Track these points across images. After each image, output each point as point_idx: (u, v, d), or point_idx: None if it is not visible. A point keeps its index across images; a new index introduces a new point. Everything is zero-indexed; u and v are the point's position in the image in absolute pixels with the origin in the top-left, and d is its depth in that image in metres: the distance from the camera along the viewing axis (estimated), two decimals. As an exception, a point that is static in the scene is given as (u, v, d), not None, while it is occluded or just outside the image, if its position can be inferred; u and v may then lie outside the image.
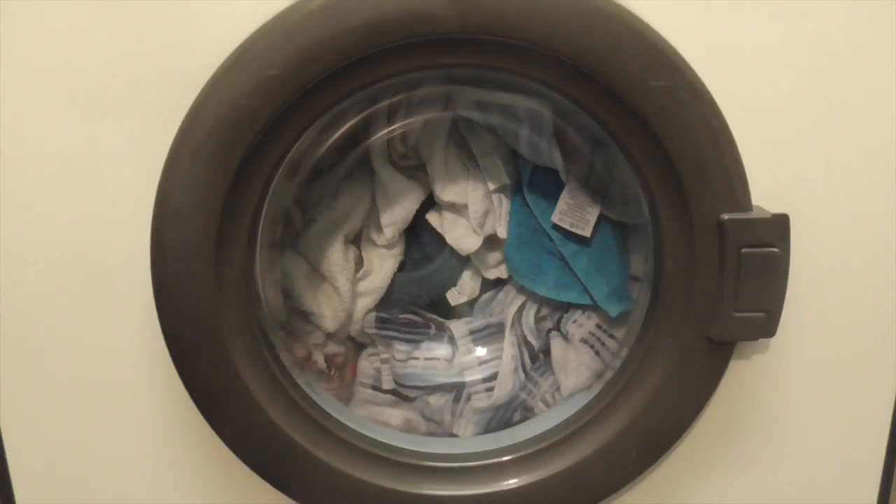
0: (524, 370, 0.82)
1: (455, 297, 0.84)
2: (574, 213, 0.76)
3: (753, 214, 0.62)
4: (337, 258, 0.77)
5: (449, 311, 0.86)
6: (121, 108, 0.62)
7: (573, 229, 0.76)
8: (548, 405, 0.81)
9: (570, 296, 0.79)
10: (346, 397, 0.84)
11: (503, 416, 0.82)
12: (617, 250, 0.78)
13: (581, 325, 0.81)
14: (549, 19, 0.58)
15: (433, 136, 0.77)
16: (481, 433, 0.81)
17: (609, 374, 0.73)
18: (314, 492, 0.70)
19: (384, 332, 0.82)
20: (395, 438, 0.74)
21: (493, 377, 0.81)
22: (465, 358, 0.82)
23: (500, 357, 0.81)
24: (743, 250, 0.62)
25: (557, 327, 0.83)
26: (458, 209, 0.78)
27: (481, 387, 0.81)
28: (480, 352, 0.83)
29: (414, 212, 0.78)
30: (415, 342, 0.83)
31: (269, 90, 0.58)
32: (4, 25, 0.60)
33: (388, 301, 0.82)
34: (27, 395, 0.70)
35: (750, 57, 0.62)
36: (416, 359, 0.83)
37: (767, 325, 0.65)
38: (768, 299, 0.64)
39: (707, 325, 0.65)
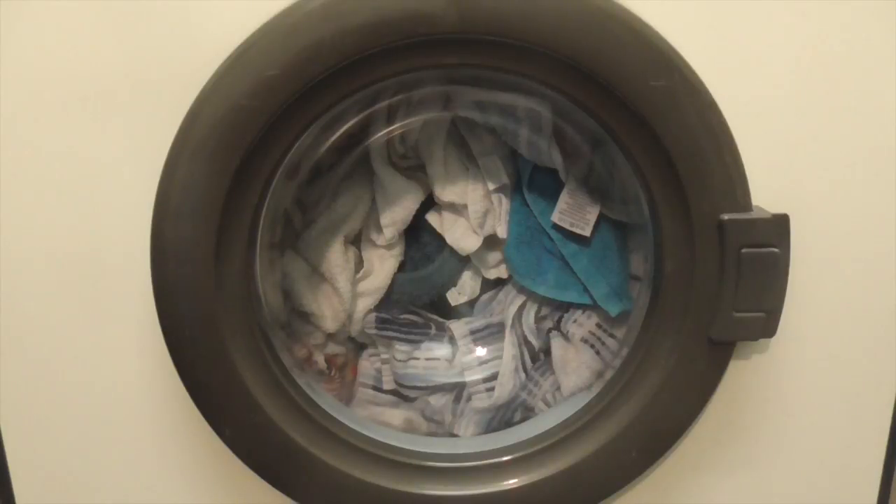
0: (524, 370, 0.82)
1: (455, 297, 0.84)
2: (574, 212, 0.76)
3: (753, 214, 0.62)
4: (337, 259, 0.77)
5: (449, 311, 0.86)
6: (121, 109, 0.62)
7: (573, 229, 0.76)
8: (548, 405, 0.81)
9: (570, 295, 0.79)
10: (347, 398, 0.84)
11: (504, 416, 0.82)
12: (617, 250, 0.78)
13: (581, 324, 0.81)
14: (549, 19, 0.58)
15: (433, 136, 0.77)
16: (482, 433, 0.81)
17: (610, 374, 0.73)
18: (314, 492, 0.70)
19: (384, 333, 0.82)
20: (396, 438, 0.74)
21: (494, 377, 0.81)
22: (466, 358, 0.82)
23: (500, 357, 0.81)
24: (743, 250, 0.62)
25: (557, 327, 0.83)
26: (457, 209, 0.78)
27: (482, 387, 0.81)
28: (481, 352, 0.83)
29: (414, 212, 0.78)
30: (415, 342, 0.83)
31: (269, 90, 0.59)
32: (4, 25, 0.60)
33: (388, 301, 0.82)
34: (27, 395, 0.70)
35: (750, 57, 0.62)
36: (417, 359, 0.83)
37: (767, 325, 0.65)
38: (768, 299, 0.64)
39: (707, 325, 0.65)
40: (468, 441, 0.79)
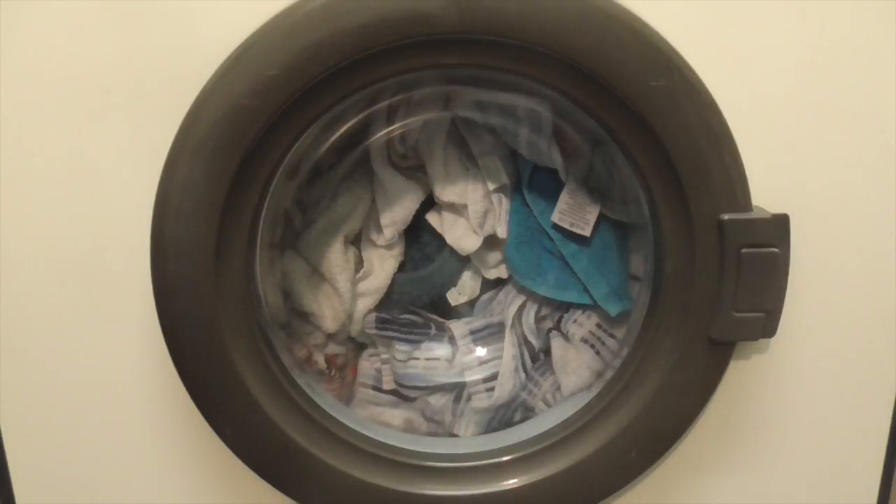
0: (524, 370, 0.82)
1: (455, 297, 0.84)
2: (574, 212, 0.76)
3: (753, 214, 0.62)
4: (337, 259, 0.77)
5: (449, 311, 0.86)
6: (121, 109, 0.62)
7: (573, 229, 0.76)
8: (548, 405, 0.81)
9: (570, 295, 0.79)
10: (347, 398, 0.84)
11: (504, 416, 0.82)
12: (617, 250, 0.78)
13: (581, 324, 0.81)
14: (549, 19, 0.58)
15: (433, 136, 0.76)
16: (482, 433, 0.81)
17: (610, 374, 0.73)
18: (314, 492, 0.70)
19: (384, 333, 0.82)
20: (396, 439, 0.74)
21: (494, 377, 0.81)
22: (466, 358, 0.82)
23: (500, 357, 0.81)
24: (743, 250, 0.62)
25: (557, 327, 0.83)
26: (457, 209, 0.78)
27: (482, 387, 0.81)
28: (481, 352, 0.83)
29: (414, 212, 0.78)
30: (415, 342, 0.83)
31: (269, 90, 0.58)
32: (4, 25, 0.60)
33: (388, 301, 0.82)
34: (27, 395, 0.70)
35: (750, 57, 0.62)
36: (417, 359, 0.83)
37: (767, 325, 0.65)
38: (768, 299, 0.64)
39: (707, 325, 0.65)
40: (468, 441, 0.79)
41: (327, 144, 0.73)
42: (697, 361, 0.66)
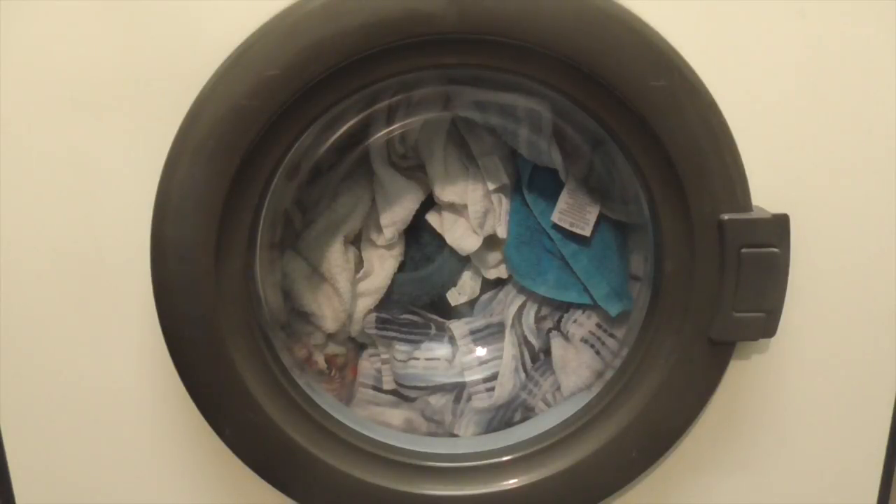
0: (525, 370, 0.82)
1: (455, 297, 0.84)
2: (574, 212, 0.76)
3: (753, 214, 0.62)
4: (337, 259, 0.77)
5: (449, 311, 0.86)
6: (121, 108, 0.62)
7: (573, 229, 0.76)
8: (549, 405, 0.81)
9: (570, 295, 0.79)
10: (347, 398, 0.84)
11: (504, 416, 0.82)
12: (617, 250, 0.78)
13: (581, 324, 0.81)
14: (549, 19, 0.58)
15: (432, 136, 0.77)
16: (482, 433, 0.81)
17: (610, 374, 0.73)
18: (314, 492, 0.70)
19: (384, 333, 0.82)
20: (396, 439, 0.74)
21: (494, 377, 0.81)
22: (466, 358, 0.82)
23: (500, 357, 0.81)
24: (743, 250, 0.62)
25: (558, 327, 0.83)
26: (457, 209, 0.78)
27: (482, 387, 0.81)
28: (481, 352, 0.83)
29: (413, 212, 0.78)
30: (415, 342, 0.83)
31: (269, 90, 0.59)
32: (4, 25, 0.60)
33: (388, 301, 0.82)
34: (27, 395, 0.70)
35: (750, 57, 0.62)
36: (417, 359, 0.83)
37: (767, 325, 0.65)
38: (768, 299, 0.64)
39: (707, 325, 0.65)
40: (468, 441, 0.79)
41: (327, 144, 0.73)
42: (697, 361, 0.66)
